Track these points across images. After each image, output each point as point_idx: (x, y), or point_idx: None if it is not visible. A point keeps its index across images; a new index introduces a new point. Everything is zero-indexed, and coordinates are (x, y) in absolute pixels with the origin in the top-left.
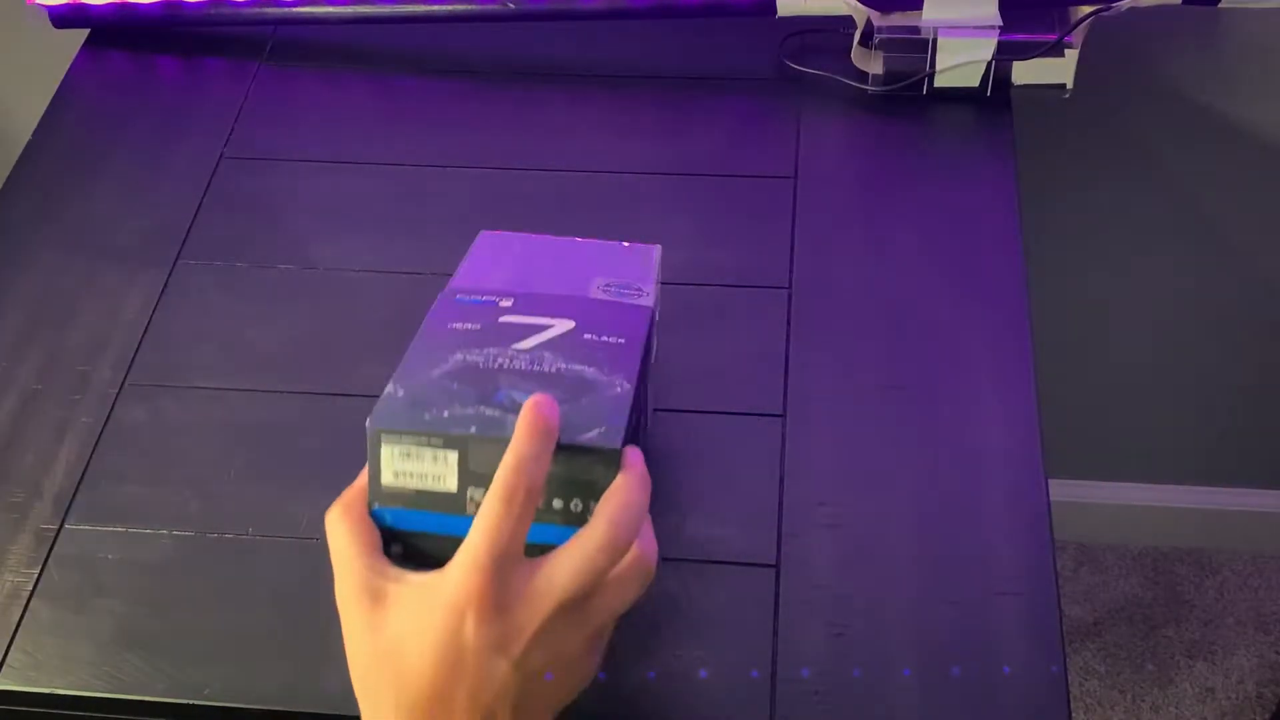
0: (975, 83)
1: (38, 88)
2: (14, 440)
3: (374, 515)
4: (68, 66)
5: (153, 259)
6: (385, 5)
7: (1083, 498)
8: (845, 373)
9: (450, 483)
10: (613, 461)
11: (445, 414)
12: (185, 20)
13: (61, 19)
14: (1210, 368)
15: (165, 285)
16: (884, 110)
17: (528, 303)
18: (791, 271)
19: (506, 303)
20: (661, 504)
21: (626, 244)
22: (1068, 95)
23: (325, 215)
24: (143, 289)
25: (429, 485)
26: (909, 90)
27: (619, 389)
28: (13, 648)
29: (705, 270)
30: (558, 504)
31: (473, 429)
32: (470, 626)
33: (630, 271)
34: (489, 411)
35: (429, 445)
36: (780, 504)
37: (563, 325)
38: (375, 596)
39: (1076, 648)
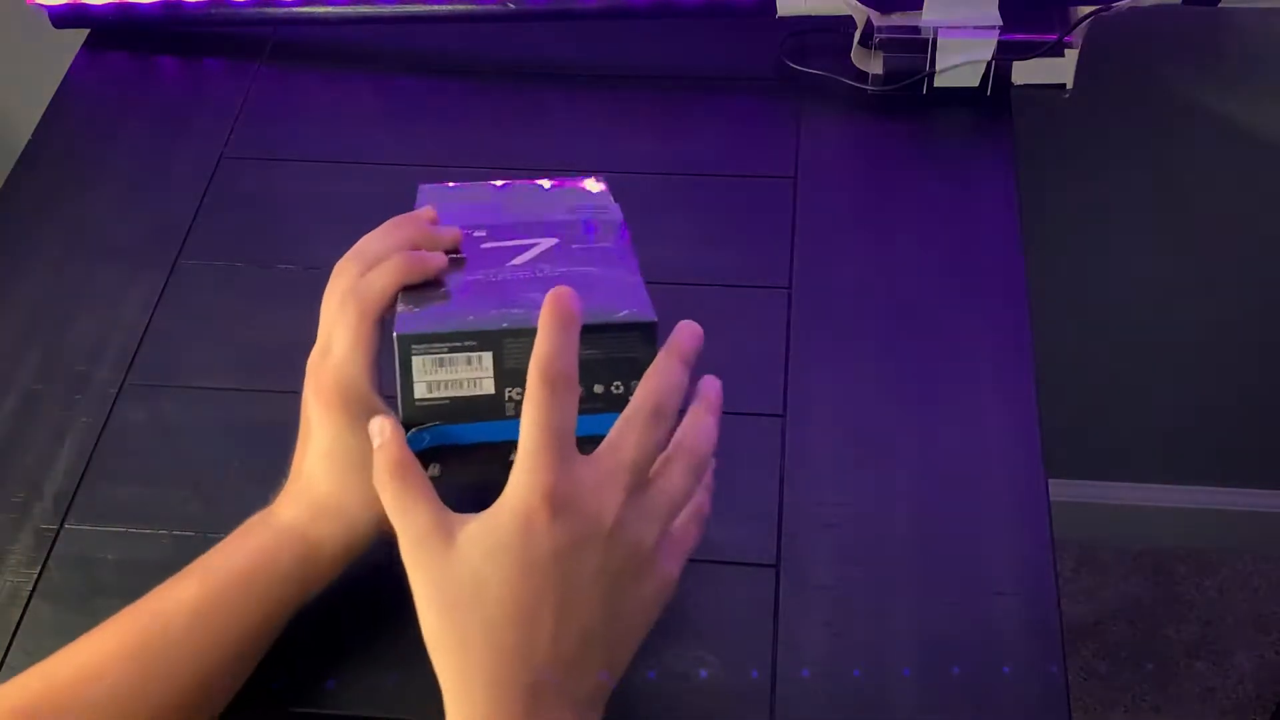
0: (975, 83)
1: (38, 88)
2: (14, 440)
3: (410, 440)
4: (68, 66)
5: (153, 259)
6: (385, 5)
7: (1083, 498)
8: (845, 373)
9: (487, 385)
10: (650, 336)
11: (470, 318)
12: (185, 20)
13: (61, 19)
14: (1210, 368)
15: (165, 285)
16: (884, 110)
17: (501, 231)
18: (791, 271)
19: (480, 233)
20: None
21: (559, 179)
22: (1068, 95)
23: (325, 215)
24: (143, 289)
25: (466, 391)
26: (909, 90)
27: (631, 279)
28: (13, 648)
29: (705, 270)
30: (599, 389)
31: (504, 324)
32: (543, 526)
33: (583, 196)
34: (514, 310)
35: (463, 349)
36: (780, 504)
37: (547, 242)
38: (446, 536)
39: (1076, 648)
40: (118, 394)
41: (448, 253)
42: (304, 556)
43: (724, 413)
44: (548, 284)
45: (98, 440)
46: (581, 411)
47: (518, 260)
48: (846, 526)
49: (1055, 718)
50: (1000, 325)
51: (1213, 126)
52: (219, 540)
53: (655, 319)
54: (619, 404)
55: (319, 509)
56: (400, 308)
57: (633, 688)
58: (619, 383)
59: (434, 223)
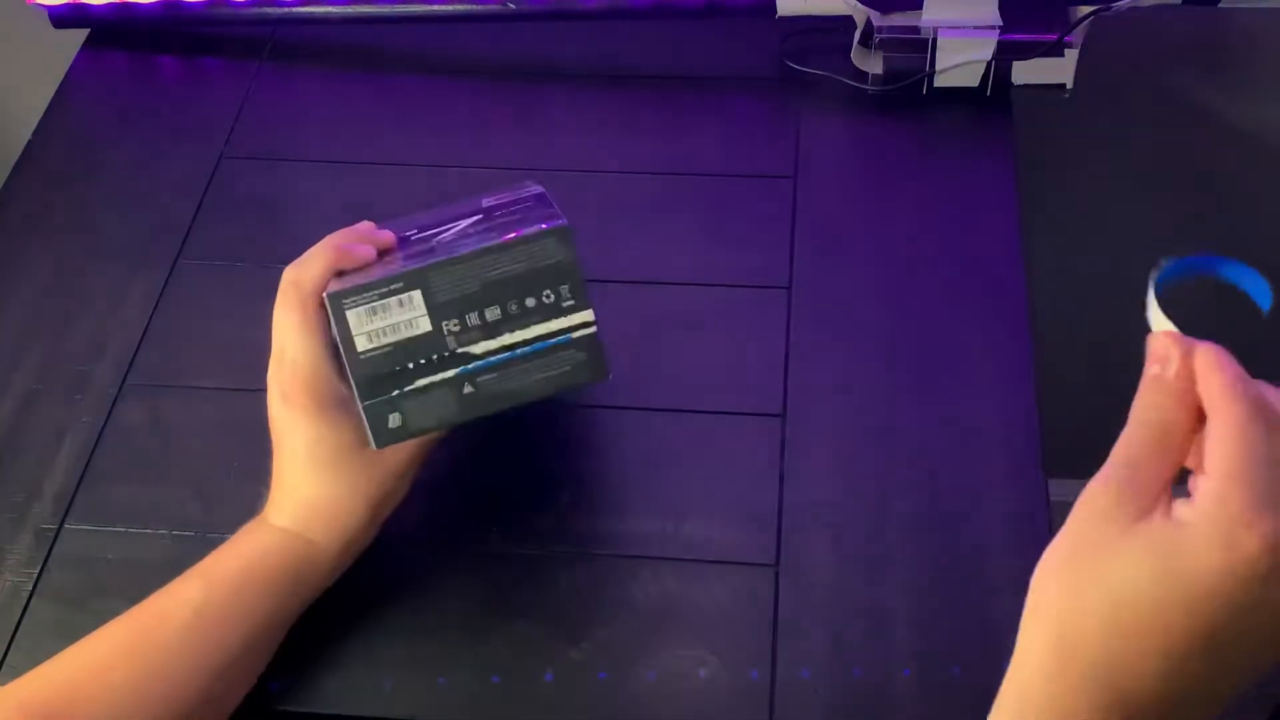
0: (975, 83)
1: (38, 88)
2: (14, 440)
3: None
4: (68, 66)
5: (153, 259)
6: (385, 5)
7: None
8: (845, 373)
9: (423, 323)
10: (566, 239)
11: (395, 269)
12: (185, 20)
13: (61, 19)
14: None
15: (165, 285)
16: (884, 110)
17: (429, 226)
18: (791, 271)
19: (411, 232)
20: (661, 504)
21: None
22: (1068, 95)
23: (325, 215)
24: (143, 289)
25: (403, 334)
26: (909, 90)
27: (554, 220)
28: (13, 648)
29: (705, 270)
30: (530, 302)
31: (429, 261)
32: (1250, 585)
33: (514, 190)
34: (436, 243)
35: (391, 293)
36: (780, 504)
37: (472, 219)
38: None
39: None
40: (118, 394)
41: (381, 253)
42: (304, 556)
43: (724, 413)
44: (471, 239)
45: (98, 440)
46: (523, 326)
47: (442, 236)
48: (846, 526)
49: None
50: (1000, 325)
51: (1213, 126)
52: (219, 540)
53: (565, 222)
54: (556, 312)
55: (311, 511)
56: (331, 284)
57: (632, 688)
58: (549, 291)
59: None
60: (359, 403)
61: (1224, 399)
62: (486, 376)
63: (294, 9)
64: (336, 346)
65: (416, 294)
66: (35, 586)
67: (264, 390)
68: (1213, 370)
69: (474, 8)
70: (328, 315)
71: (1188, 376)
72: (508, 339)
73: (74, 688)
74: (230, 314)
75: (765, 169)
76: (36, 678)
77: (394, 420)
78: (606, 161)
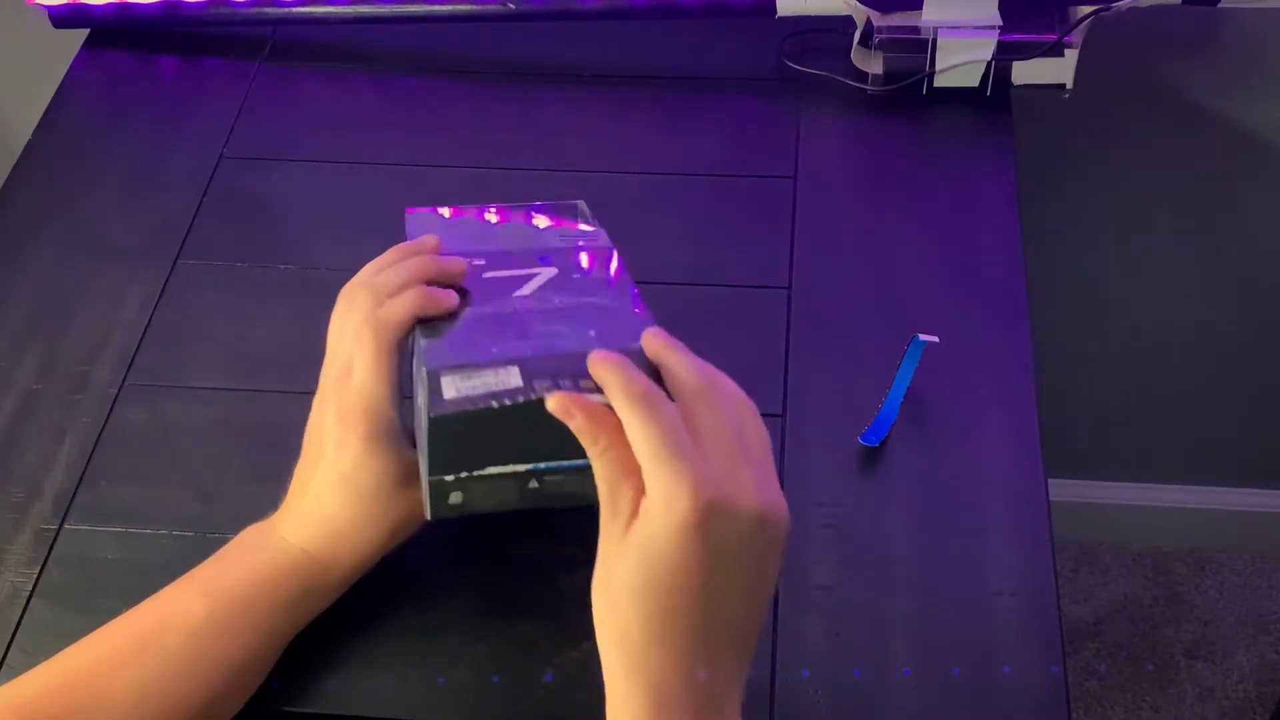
0: (975, 83)
1: (38, 88)
2: (14, 440)
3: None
4: (68, 66)
5: (153, 259)
6: (385, 5)
7: (1083, 498)
8: (845, 373)
9: (515, 380)
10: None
11: (495, 349)
12: (185, 20)
13: (61, 19)
14: (1211, 367)
15: (165, 285)
16: (884, 110)
17: (499, 259)
18: (791, 271)
19: (479, 261)
20: None
21: (550, 204)
22: (1068, 95)
23: (325, 215)
24: (143, 289)
25: (492, 387)
26: (909, 90)
27: (630, 311)
28: (13, 648)
29: (705, 270)
30: None
31: (528, 352)
32: (697, 533)
33: (576, 235)
34: (533, 341)
35: (489, 367)
36: None
37: (547, 273)
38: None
39: (1076, 648)
40: (118, 394)
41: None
42: (314, 577)
43: None
44: (557, 315)
45: (98, 440)
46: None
47: (522, 291)
48: (846, 526)
49: (1055, 718)
50: (1000, 325)
51: (1213, 126)
52: (219, 541)
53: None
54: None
55: (331, 532)
56: (423, 341)
57: None
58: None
59: (436, 252)
60: (425, 474)
61: (621, 403)
62: (554, 478)
63: (294, 9)
64: (400, 380)
65: (514, 367)
66: (35, 586)
67: (264, 390)
68: (606, 381)
69: (474, 8)
70: (404, 352)
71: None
72: (598, 397)
73: (72, 691)
74: (230, 314)
75: (765, 169)
76: (33, 681)
77: (454, 498)
78: (606, 161)
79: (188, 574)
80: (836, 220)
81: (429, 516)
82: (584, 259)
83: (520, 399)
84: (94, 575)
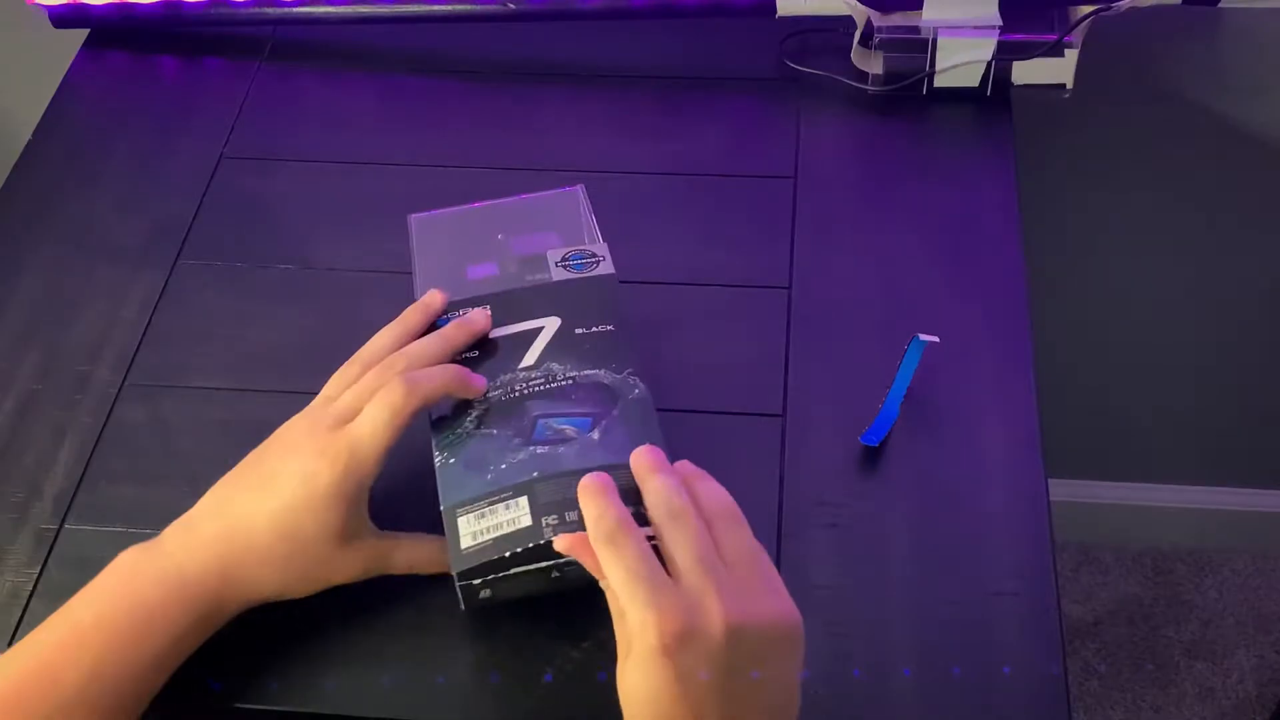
0: (975, 83)
1: (38, 88)
2: (14, 440)
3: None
4: (68, 66)
5: (153, 259)
6: (385, 5)
7: (1083, 498)
8: (845, 373)
9: (525, 520)
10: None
11: (504, 466)
12: (185, 20)
13: (61, 19)
14: (1210, 367)
15: (165, 285)
16: (884, 110)
17: (503, 308)
18: (791, 271)
19: (485, 309)
20: None
21: (545, 194)
22: (1068, 95)
23: (325, 215)
24: (143, 289)
25: (505, 530)
26: (909, 90)
27: (636, 390)
28: (12, 647)
29: (705, 270)
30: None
31: (535, 474)
32: (671, 661)
33: (567, 225)
34: (539, 450)
35: (500, 500)
36: (780, 504)
37: (550, 324)
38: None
39: (1076, 648)
40: (118, 394)
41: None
42: (210, 615)
43: (724, 413)
44: (563, 399)
45: (98, 440)
46: None
47: (528, 359)
48: (846, 526)
49: (1055, 718)
50: (1000, 325)
51: (1213, 127)
52: None
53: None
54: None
55: (243, 572)
56: (437, 455)
57: None
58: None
59: (444, 310)
60: (454, 573)
61: (594, 542)
62: (574, 568)
63: (293, 9)
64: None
65: (524, 499)
66: (35, 586)
67: (264, 390)
68: (585, 515)
69: (474, 8)
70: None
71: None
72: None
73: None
74: (230, 314)
75: (765, 169)
76: None
77: (484, 594)
78: (606, 161)
79: (72, 610)
80: (836, 220)
81: (462, 608)
82: (583, 303)
83: (531, 544)
84: (94, 575)
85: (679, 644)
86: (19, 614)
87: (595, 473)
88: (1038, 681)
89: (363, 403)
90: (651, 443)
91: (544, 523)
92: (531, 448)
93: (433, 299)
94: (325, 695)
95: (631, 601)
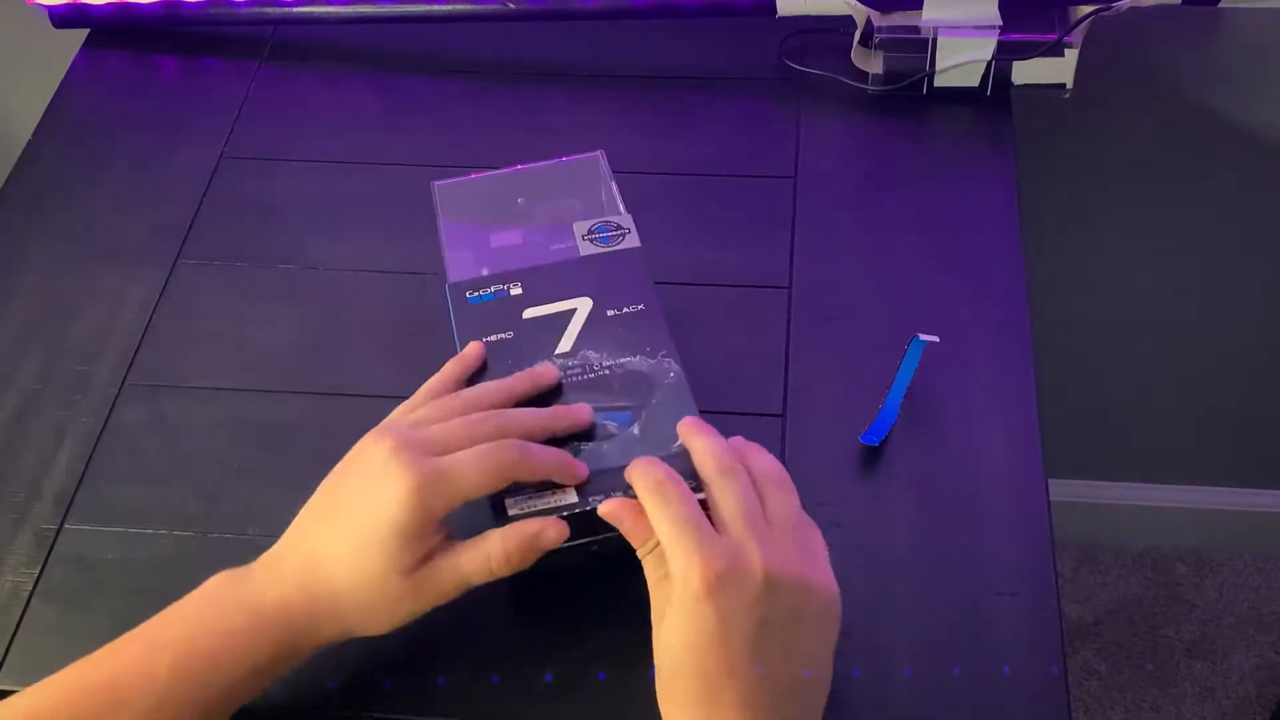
0: (975, 83)
1: (38, 88)
2: (14, 440)
3: None
4: (68, 66)
5: (153, 259)
6: (385, 5)
7: (1083, 498)
8: (845, 373)
9: (571, 497)
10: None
11: (558, 498)
12: (185, 20)
13: (61, 19)
14: (1210, 368)
15: (165, 285)
16: (884, 110)
17: (535, 286)
18: (791, 271)
19: (516, 289)
20: None
21: (566, 160)
22: (1068, 95)
23: (325, 215)
24: (143, 289)
25: (551, 504)
26: (909, 90)
27: (671, 375)
28: (13, 648)
29: (705, 270)
30: None
31: (590, 506)
32: (709, 604)
33: (589, 191)
34: (584, 446)
35: (546, 488)
36: None
37: (582, 306)
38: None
39: (1076, 648)
40: (118, 394)
41: (487, 318)
42: (289, 649)
43: (724, 413)
44: (603, 389)
45: (98, 440)
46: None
47: (563, 346)
48: (847, 526)
49: (1055, 718)
50: (1000, 325)
51: (1213, 127)
52: (219, 541)
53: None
54: None
55: (321, 605)
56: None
57: (633, 688)
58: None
59: (482, 361)
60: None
61: (640, 494)
62: (614, 539)
63: (294, 9)
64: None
65: (571, 488)
66: (35, 586)
67: (264, 390)
68: (631, 476)
69: (474, 8)
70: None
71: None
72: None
73: None
74: (230, 314)
75: (765, 169)
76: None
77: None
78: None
79: (150, 628)
80: (836, 220)
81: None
82: (614, 282)
83: (576, 510)
84: (94, 575)
85: (720, 585)
86: (19, 614)
87: (651, 462)
88: (1038, 681)
89: (458, 444)
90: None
91: (590, 499)
92: (575, 443)
93: (468, 354)
94: (326, 695)
95: (675, 546)
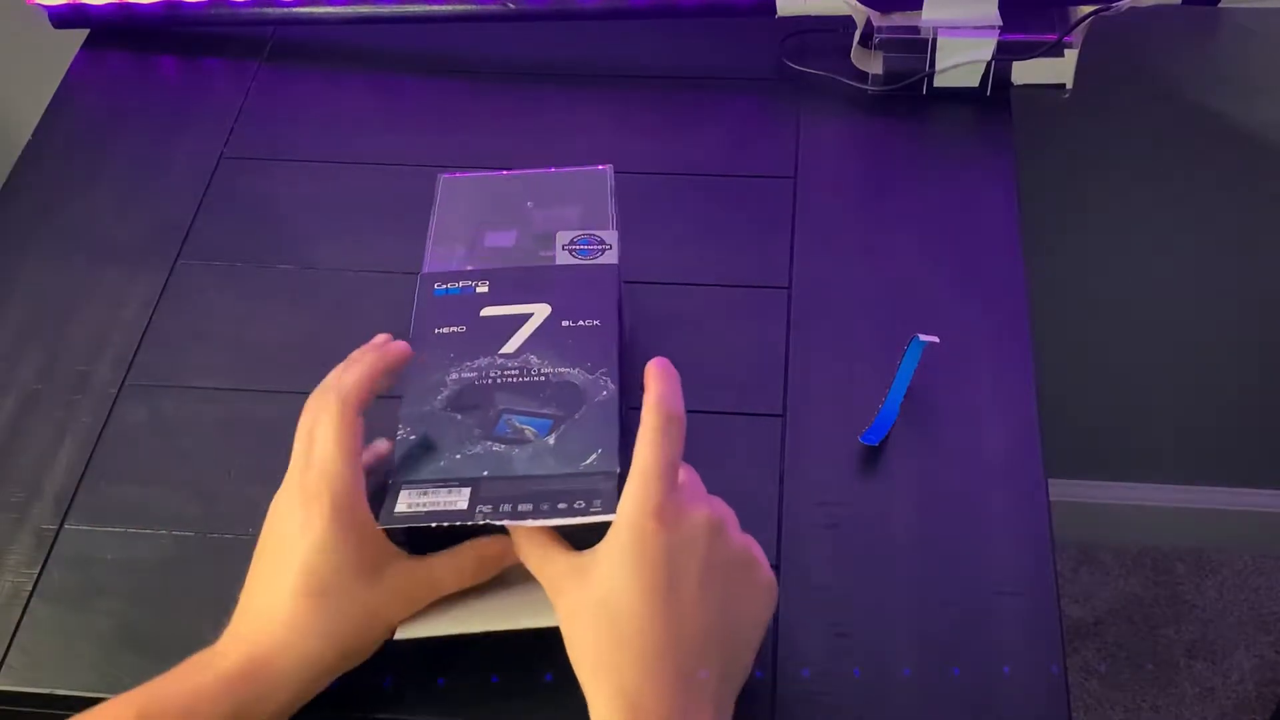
0: (975, 83)
1: (38, 88)
2: (14, 440)
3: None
4: (68, 66)
5: (153, 259)
6: (385, 5)
7: (1083, 498)
8: (845, 373)
9: (461, 504)
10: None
11: (458, 456)
12: (185, 20)
13: (61, 19)
14: (1210, 367)
15: (165, 285)
16: (884, 110)
17: (501, 286)
18: (791, 271)
19: (483, 288)
20: None
21: (578, 170)
22: (1068, 95)
23: (325, 215)
24: (143, 289)
25: (440, 507)
26: (909, 90)
27: (604, 393)
28: (13, 648)
29: (705, 270)
30: (562, 505)
31: (485, 472)
32: (654, 534)
33: (593, 203)
34: (495, 447)
35: (445, 485)
36: (780, 504)
37: (540, 311)
38: (580, 567)
39: (1076, 648)
40: (118, 394)
41: (447, 310)
42: (257, 705)
43: (724, 413)
44: (533, 393)
45: (98, 440)
46: (548, 516)
47: (509, 347)
48: (846, 526)
49: (1055, 718)
50: (1000, 325)
51: (1213, 126)
52: (219, 541)
53: (617, 470)
54: (585, 514)
55: (280, 640)
56: (400, 428)
57: None
58: (582, 503)
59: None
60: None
61: (649, 408)
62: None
63: (293, 9)
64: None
65: (467, 489)
66: (35, 586)
67: (264, 390)
68: (652, 386)
69: (474, 8)
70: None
71: None
72: (530, 523)
73: None
74: (230, 314)
75: (765, 169)
76: None
77: (399, 536)
78: (606, 161)
79: (128, 693)
80: (836, 220)
81: (379, 524)
82: (578, 295)
83: (458, 523)
84: (94, 575)
85: (674, 515)
86: (19, 614)
87: (667, 366)
88: (1038, 681)
89: (310, 428)
90: (604, 448)
91: (478, 510)
92: (488, 443)
93: (378, 344)
94: (326, 695)
95: (642, 474)
